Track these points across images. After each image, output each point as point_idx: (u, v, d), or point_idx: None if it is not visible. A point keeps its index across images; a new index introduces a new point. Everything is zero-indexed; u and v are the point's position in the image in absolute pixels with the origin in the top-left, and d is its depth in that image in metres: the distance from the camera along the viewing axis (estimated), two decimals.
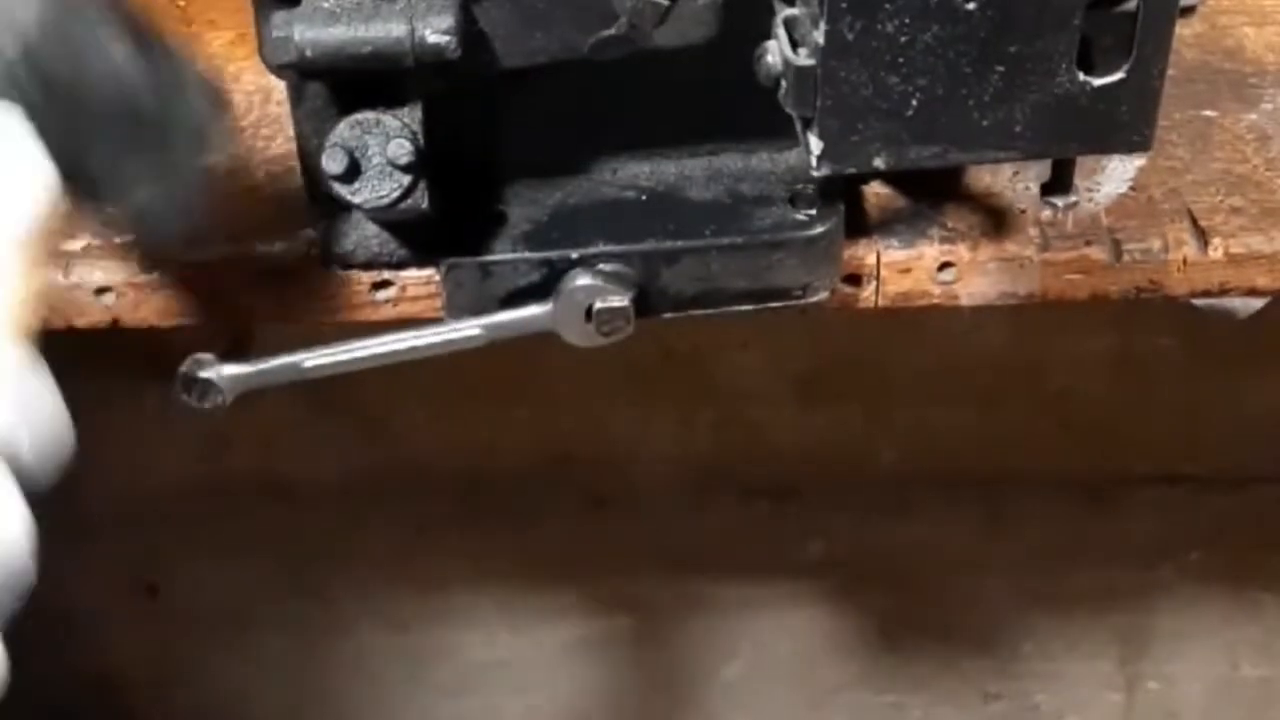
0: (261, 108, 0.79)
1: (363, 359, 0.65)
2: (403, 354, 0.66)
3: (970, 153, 0.60)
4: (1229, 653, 1.46)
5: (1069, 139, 0.60)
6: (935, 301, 0.73)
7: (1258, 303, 0.85)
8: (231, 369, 0.65)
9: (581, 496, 1.35)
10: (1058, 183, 0.66)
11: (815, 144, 0.58)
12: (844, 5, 0.55)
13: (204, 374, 0.65)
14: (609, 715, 1.49)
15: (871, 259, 0.72)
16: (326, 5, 0.61)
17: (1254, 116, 0.78)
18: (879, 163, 0.59)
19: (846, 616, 1.44)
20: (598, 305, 0.67)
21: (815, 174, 0.59)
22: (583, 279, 0.67)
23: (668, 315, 0.70)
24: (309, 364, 0.65)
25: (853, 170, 0.60)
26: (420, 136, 0.63)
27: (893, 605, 1.43)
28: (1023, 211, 0.73)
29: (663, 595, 1.42)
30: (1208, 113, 0.78)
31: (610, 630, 1.44)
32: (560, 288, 0.67)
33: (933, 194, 0.73)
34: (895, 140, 0.58)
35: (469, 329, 0.67)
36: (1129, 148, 0.60)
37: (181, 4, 0.85)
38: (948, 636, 1.45)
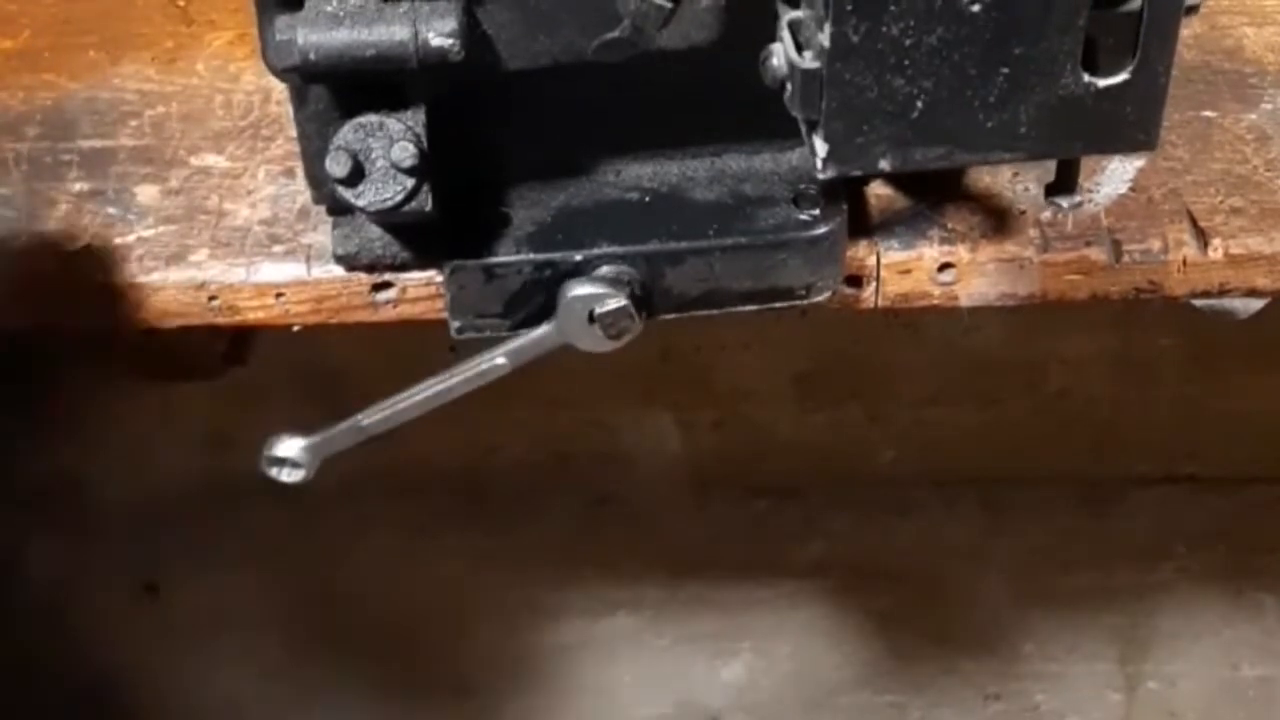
0: (261, 108, 0.79)
1: (409, 408, 0.70)
2: (443, 396, 0.70)
3: (975, 154, 0.60)
4: (1229, 653, 1.47)
5: (1074, 139, 0.60)
6: (935, 302, 0.73)
7: (1258, 303, 0.84)
8: (303, 442, 0.71)
9: (581, 496, 1.35)
10: (1062, 183, 0.66)
11: (821, 146, 0.58)
12: (849, 8, 0.55)
13: (283, 453, 0.71)
14: (609, 715, 1.50)
15: (871, 260, 0.72)
16: (330, 8, 0.61)
17: (1254, 117, 0.78)
18: (884, 164, 0.59)
19: (846, 616, 1.44)
20: (598, 310, 0.67)
21: (821, 176, 0.59)
22: (577, 289, 0.67)
23: (671, 316, 0.70)
24: (366, 423, 0.70)
25: (858, 172, 0.60)
26: (424, 139, 0.63)
27: (893, 605, 1.44)
28: (1022, 212, 0.73)
29: (663, 595, 1.42)
30: (1207, 113, 0.78)
31: (610, 630, 1.44)
32: (559, 302, 0.67)
33: (932, 195, 0.73)
34: (901, 142, 0.58)
35: (495, 359, 0.69)
36: (1134, 147, 0.60)
37: (181, 4, 0.85)
38: (948, 637, 1.46)
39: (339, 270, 0.71)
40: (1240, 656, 1.47)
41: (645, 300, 0.68)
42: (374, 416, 0.70)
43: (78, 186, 0.75)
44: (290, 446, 0.71)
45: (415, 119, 0.63)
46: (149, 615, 1.40)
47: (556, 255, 0.68)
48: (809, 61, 0.57)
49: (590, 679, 1.47)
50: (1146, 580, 1.42)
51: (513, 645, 1.45)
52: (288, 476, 0.72)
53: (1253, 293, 0.74)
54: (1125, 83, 0.58)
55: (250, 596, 1.38)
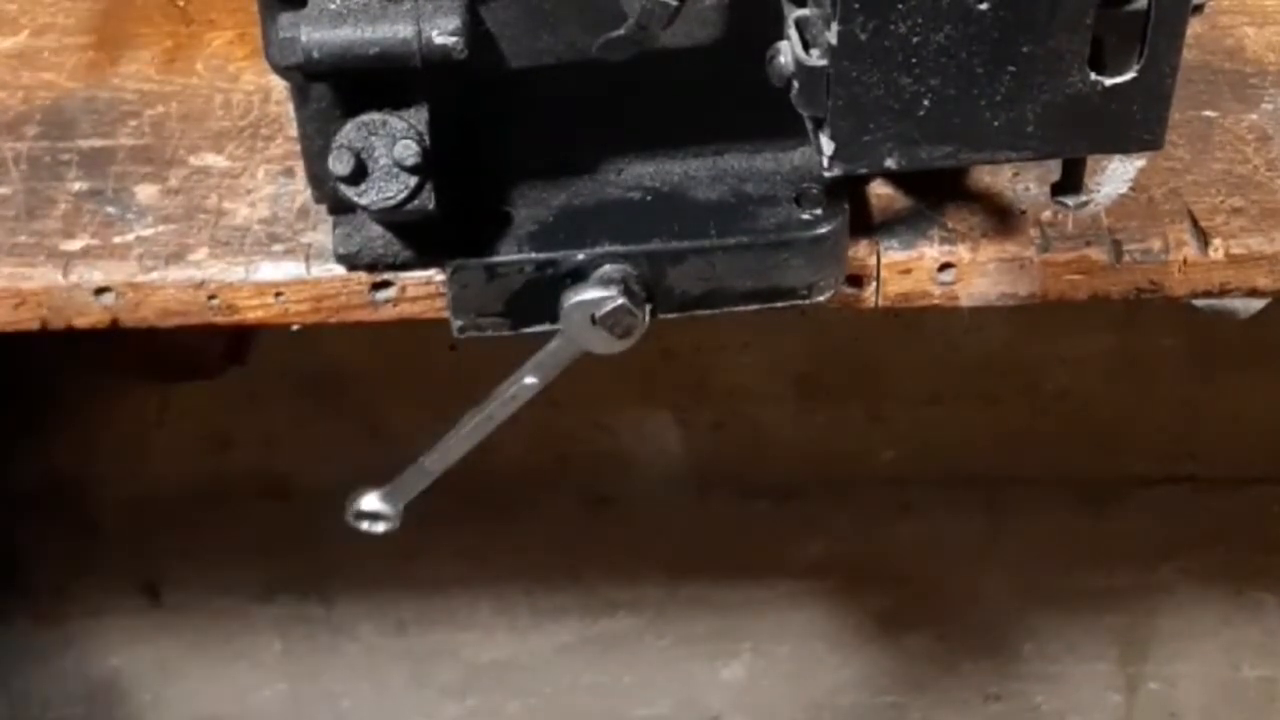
0: (261, 107, 0.79)
1: (461, 441, 0.74)
2: (487, 424, 0.73)
3: (982, 152, 0.59)
4: (1229, 653, 1.47)
5: (1080, 138, 0.60)
6: (935, 302, 0.73)
7: (1258, 303, 0.84)
8: (378, 493, 0.76)
9: (581, 496, 1.35)
10: (1068, 182, 0.66)
11: (827, 144, 0.58)
12: (857, 6, 0.55)
13: (368, 507, 0.76)
14: (609, 715, 1.50)
15: (872, 260, 0.72)
16: (333, 6, 0.61)
17: (1254, 117, 0.78)
18: (891, 163, 0.59)
19: (846, 616, 1.45)
20: (598, 314, 0.67)
21: (827, 174, 0.59)
22: (573, 297, 0.67)
23: (672, 315, 0.70)
24: (428, 464, 0.74)
25: (865, 170, 0.60)
26: (426, 138, 0.63)
27: (893, 605, 1.44)
28: (1023, 212, 0.73)
29: (663, 595, 1.42)
30: (1208, 113, 0.78)
31: (610, 630, 1.44)
32: (560, 313, 0.67)
33: (933, 194, 0.73)
34: (907, 140, 0.58)
35: (525, 380, 0.71)
36: (1141, 146, 0.60)
37: (181, 4, 0.85)
38: (948, 637, 1.46)
39: (338, 269, 0.71)
40: (1241, 657, 1.47)
41: (647, 295, 0.68)
42: (433, 457, 0.74)
43: (77, 186, 0.75)
44: (371, 500, 0.75)
45: (418, 117, 0.63)
46: (149, 615, 1.40)
47: (558, 254, 0.67)
48: (816, 59, 0.57)
49: (590, 679, 1.47)
50: (1146, 580, 1.42)
51: (512, 645, 1.45)
52: (380, 528, 0.76)
53: (1253, 293, 0.74)
54: (1132, 81, 0.58)
55: (250, 596, 1.38)
